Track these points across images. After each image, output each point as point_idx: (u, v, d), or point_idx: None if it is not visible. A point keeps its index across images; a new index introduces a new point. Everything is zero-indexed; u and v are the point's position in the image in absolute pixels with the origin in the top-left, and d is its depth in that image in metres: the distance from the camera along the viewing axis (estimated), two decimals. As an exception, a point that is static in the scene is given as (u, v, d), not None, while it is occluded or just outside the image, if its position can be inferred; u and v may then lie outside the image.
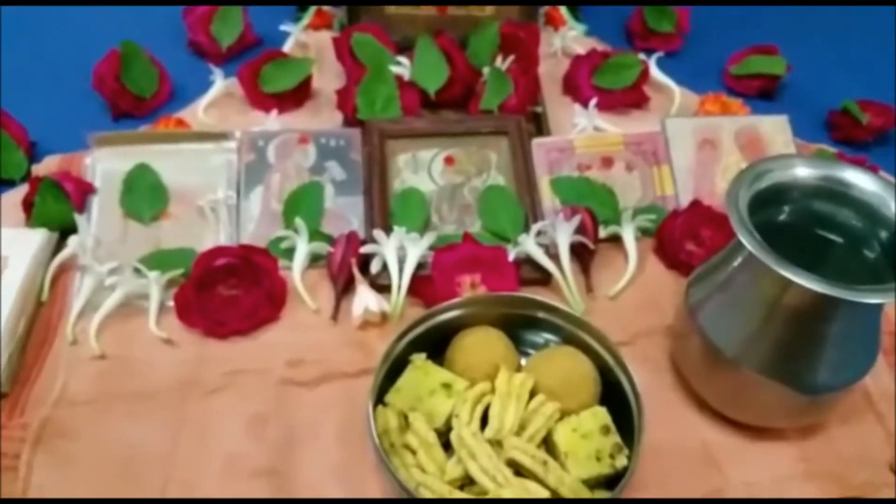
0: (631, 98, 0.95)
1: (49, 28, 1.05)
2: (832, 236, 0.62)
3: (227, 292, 0.72)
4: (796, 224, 0.62)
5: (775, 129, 0.86)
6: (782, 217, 0.62)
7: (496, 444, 0.58)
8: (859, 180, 0.60)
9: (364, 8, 0.99)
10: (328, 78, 0.98)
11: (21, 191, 0.82)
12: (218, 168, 0.81)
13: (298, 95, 0.94)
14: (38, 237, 0.76)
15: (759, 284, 0.58)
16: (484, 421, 0.60)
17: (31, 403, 0.67)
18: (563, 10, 1.06)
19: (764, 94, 0.99)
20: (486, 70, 0.92)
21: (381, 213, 0.78)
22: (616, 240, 0.79)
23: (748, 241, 0.54)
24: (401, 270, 0.73)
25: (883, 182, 0.59)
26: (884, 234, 0.59)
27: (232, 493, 0.62)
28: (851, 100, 0.95)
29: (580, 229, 0.75)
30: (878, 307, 0.60)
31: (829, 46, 1.07)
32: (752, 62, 0.99)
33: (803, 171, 0.60)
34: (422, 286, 0.73)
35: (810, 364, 0.60)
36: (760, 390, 0.61)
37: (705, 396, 0.66)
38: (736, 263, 0.60)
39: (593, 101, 0.92)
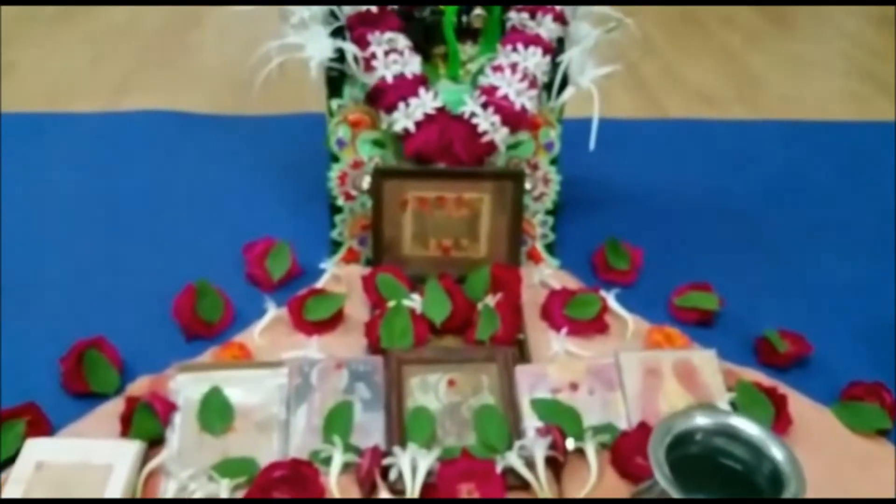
0: (594, 327, 1.18)
1: (134, 264, 1.30)
2: (732, 465, 0.83)
3: (281, 496, 0.92)
4: (704, 455, 0.84)
5: (704, 361, 1.08)
6: (693, 450, 0.83)
7: None
8: (745, 426, 0.82)
9: (386, 250, 1.25)
10: (356, 304, 1.21)
11: (114, 404, 1.04)
12: (272, 389, 1.03)
13: (333, 322, 1.18)
14: (134, 448, 0.96)
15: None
16: None
17: (127, 586, 0.86)
18: (540, 248, 1.32)
19: (701, 323, 1.22)
20: (480, 305, 1.16)
21: (398, 428, 1.00)
22: (581, 451, 0.99)
23: (663, 481, 0.75)
24: (413, 478, 0.93)
25: (764, 429, 0.81)
26: (767, 467, 0.81)
27: None
28: (773, 329, 1.18)
29: (553, 445, 0.96)
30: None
31: (756, 282, 1.32)
32: (691, 297, 1.23)
33: (702, 420, 0.83)
34: (430, 492, 0.93)
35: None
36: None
37: (645, 588, 0.85)
38: (659, 488, 0.80)
39: (564, 330, 1.16)
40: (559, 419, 1.01)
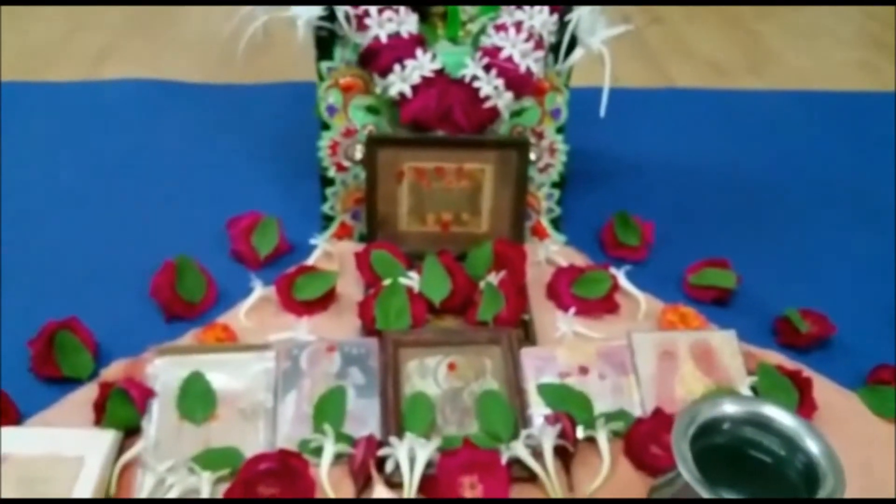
0: (604, 306, 1.10)
1: (111, 239, 1.21)
2: (762, 457, 0.76)
3: (267, 490, 0.84)
4: (731, 446, 0.76)
5: (723, 343, 1.01)
6: (719, 440, 0.76)
7: None
8: (778, 415, 0.74)
9: (381, 225, 1.16)
10: (349, 283, 1.13)
11: (87, 390, 0.96)
12: (258, 374, 0.95)
13: (325, 301, 1.10)
14: (108, 438, 0.88)
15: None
16: None
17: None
18: (545, 222, 1.24)
19: (718, 302, 1.14)
20: (482, 283, 1.08)
21: (395, 415, 0.92)
22: (592, 440, 0.92)
23: (690, 479, 0.67)
24: (411, 470, 0.86)
25: (798, 419, 0.74)
26: (801, 461, 0.73)
27: None
28: (794, 308, 1.10)
29: (562, 434, 0.89)
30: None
31: (775, 258, 1.23)
32: (706, 274, 1.15)
33: (730, 407, 0.75)
34: (429, 485, 0.86)
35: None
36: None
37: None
38: (682, 483, 0.73)
39: (572, 310, 1.08)
40: (568, 406, 0.94)
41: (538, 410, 0.94)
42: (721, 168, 1.44)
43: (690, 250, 1.21)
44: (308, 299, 1.08)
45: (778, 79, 1.80)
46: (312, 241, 1.18)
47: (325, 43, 1.11)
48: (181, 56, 1.75)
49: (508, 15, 1.10)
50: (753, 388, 0.97)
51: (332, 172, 1.18)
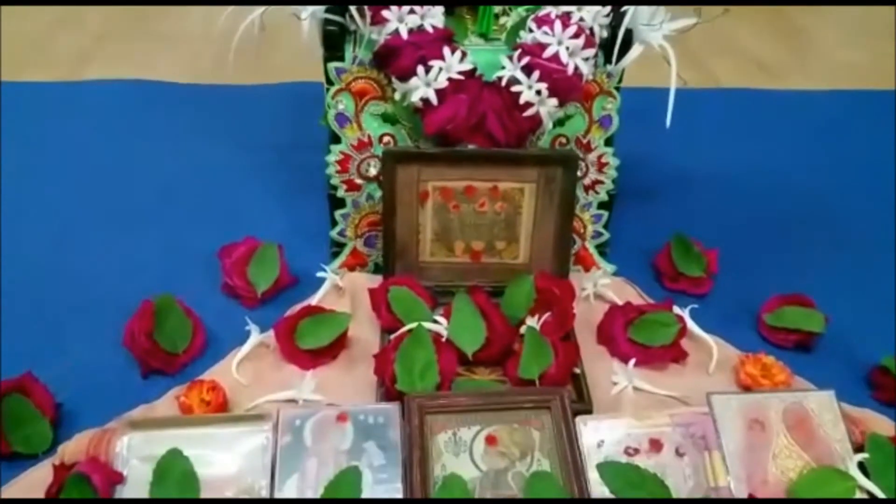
0: (669, 355, 0.89)
1: (79, 272, 1.00)
2: None
3: None
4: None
5: (822, 406, 0.79)
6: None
7: None
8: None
9: (400, 255, 0.95)
10: (362, 323, 0.93)
11: (43, 471, 0.75)
12: (252, 452, 0.74)
13: (334, 349, 0.89)
14: (60, 543, 0.68)
15: None
16: None
17: None
18: (591, 250, 1.03)
19: (801, 347, 0.93)
20: (523, 329, 0.87)
21: (423, 510, 0.71)
22: (670, 538, 0.71)
23: None
24: (447, 587, 0.65)
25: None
26: None
27: None
28: (891, 356, 0.88)
29: (635, 536, 0.68)
30: None
31: (860, 293, 1.02)
32: (787, 314, 0.94)
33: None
34: None
35: None
36: None
37: None
38: None
39: (632, 362, 0.87)
40: (640, 492, 0.73)
41: (602, 494, 0.73)
42: (784, 181, 1.23)
43: (760, 282, 1.00)
44: (314, 348, 0.87)
45: (826, 77, 1.59)
46: (319, 274, 0.96)
47: (335, 40, 0.89)
48: (171, 55, 1.53)
49: (554, 6, 0.88)
50: (862, 466, 0.76)
51: (342, 192, 0.97)
